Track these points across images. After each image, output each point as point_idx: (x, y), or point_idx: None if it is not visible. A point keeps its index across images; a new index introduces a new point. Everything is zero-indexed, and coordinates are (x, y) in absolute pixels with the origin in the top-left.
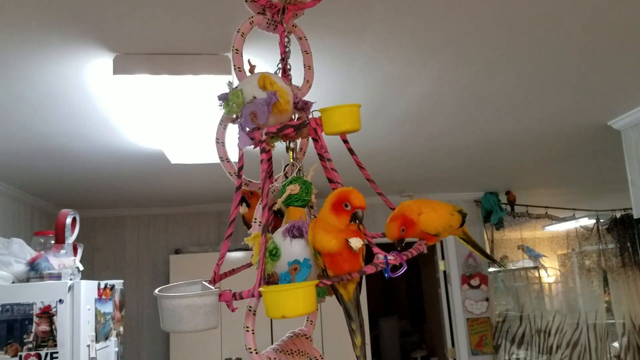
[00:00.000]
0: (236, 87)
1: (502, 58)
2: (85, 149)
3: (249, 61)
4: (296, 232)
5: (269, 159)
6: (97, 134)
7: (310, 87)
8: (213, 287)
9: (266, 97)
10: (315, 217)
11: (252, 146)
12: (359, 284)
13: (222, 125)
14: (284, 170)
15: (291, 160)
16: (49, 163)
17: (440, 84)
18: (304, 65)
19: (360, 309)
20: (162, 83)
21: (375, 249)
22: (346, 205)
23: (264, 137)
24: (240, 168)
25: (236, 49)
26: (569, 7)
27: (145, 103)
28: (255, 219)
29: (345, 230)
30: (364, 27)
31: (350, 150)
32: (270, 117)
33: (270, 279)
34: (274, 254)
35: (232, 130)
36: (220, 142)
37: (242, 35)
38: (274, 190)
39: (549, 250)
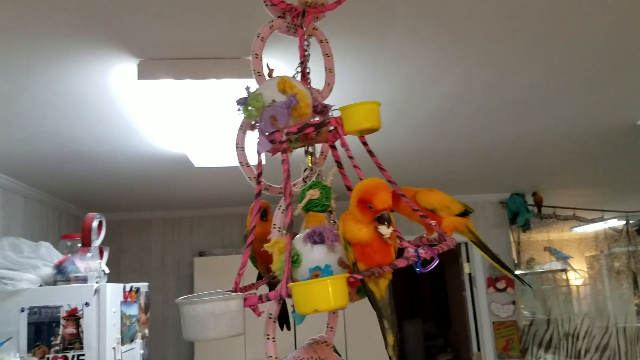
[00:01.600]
0: (255, 92)
1: (527, 57)
2: (110, 153)
3: (267, 65)
4: (317, 238)
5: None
6: (122, 138)
7: (331, 90)
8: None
9: (286, 100)
10: (335, 222)
11: (271, 153)
12: (391, 281)
13: (242, 130)
14: (303, 175)
15: (310, 165)
16: (76, 167)
17: (464, 84)
18: (325, 68)
19: (394, 307)
20: (185, 87)
21: (404, 243)
22: (370, 207)
23: (284, 137)
24: (260, 174)
25: (256, 54)
26: (596, 4)
27: (169, 107)
28: (275, 224)
29: (370, 220)
30: (387, 28)
31: (370, 152)
32: (290, 121)
33: None
34: (294, 260)
35: (252, 135)
36: (240, 147)
37: (261, 40)
38: (293, 195)
39: (576, 252)
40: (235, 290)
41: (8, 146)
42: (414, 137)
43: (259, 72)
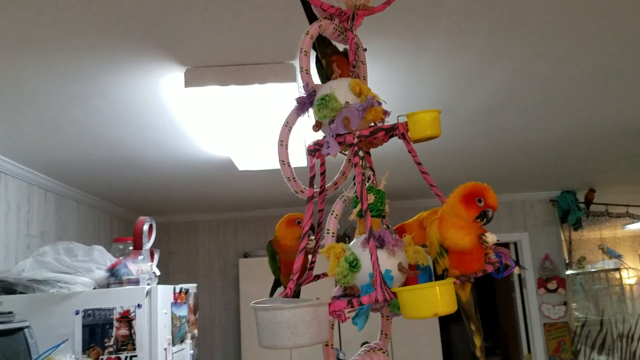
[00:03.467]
0: (325, 91)
1: (578, 50)
2: (159, 158)
3: (335, 66)
4: (377, 243)
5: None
6: (169, 144)
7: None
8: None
9: (364, 102)
10: (387, 227)
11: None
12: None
13: (288, 127)
14: (354, 180)
15: (362, 170)
16: (126, 172)
17: (512, 80)
18: (359, 76)
19: (477, 308)
20: (230, 93)
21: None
22: (479, 201)
23: (355, 140)
24: (313, 177)
25: (305, 51)
26: None
27: (215, 113)
28: (328, 230)
29: (472, 226)
30: (431, 26)
31: (418, 163)
32: (362, 123)
33: (351, 292)
34: (354, 265)
35: (294, 133)
36: (284, 145)
37: (311, 38)
38: (345, 200)
39: (630, 250)
40: (289, 296)
41: (62, 154)
42: (459, 134)
43: (306, 70)
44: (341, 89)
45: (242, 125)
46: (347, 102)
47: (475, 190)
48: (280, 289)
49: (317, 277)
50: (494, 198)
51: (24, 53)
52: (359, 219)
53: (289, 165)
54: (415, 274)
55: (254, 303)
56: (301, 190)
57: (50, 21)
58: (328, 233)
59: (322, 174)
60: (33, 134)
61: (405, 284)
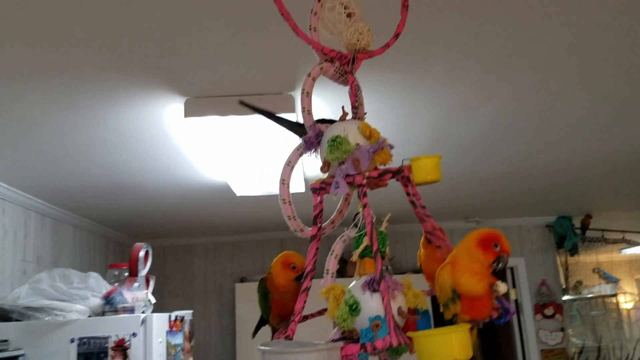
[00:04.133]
0: (336, 133)
1: (573, 83)
2: (156, 184)
3: (342, 108)
4: (377, 286)
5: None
6: (168, 170)
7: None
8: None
9: (375, 144)
10: (387, 268)
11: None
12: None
13: (290, 165)
14: (354, 220)
15: (361, 210)
16: (123, 197)
17: (507, 112)
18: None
19: (482, 353)
20: (229, 122)
21: None
22: (496, 246)
23: (364, 181)
24: (317, 216)
25: (307, 92)
26: None
27: (214, 141)
28: (328, 270)
29: (485, 272)
30: (428, 60)
31: (413, 203)
32: (371, 165)
33: (350, 335)
34: (354, 308)
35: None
36: (285, 184)
37: (312, 79)
38: (346, 240)
39: (626, 275)
40: (287, 338)
41: (60, 180)
42: (456, 161)
43: (308, 111)
44: (352, 130)
45: (240, 153)
46: (358, 144)
47: (492, 235)
48: (265, 328)
49: (306, 317)
50: (508, 244)
51: (26, 82)
52: (359, 260)
53: (290, 204)
54: (415, 318)
55: (262, 346)
56: (300, 229)
57: (51, 52)
58: (327, 273)
59: (320, 212)
60: (31, 160)
61: (404, 328)
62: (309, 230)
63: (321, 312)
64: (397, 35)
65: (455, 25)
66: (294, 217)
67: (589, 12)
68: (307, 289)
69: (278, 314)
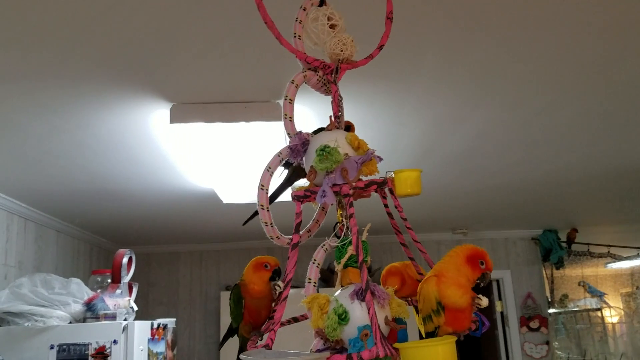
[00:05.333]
0: (325, 143)
1: (560, 97)
2: (142, 190)
3: (330, 118)
4: (364, 296)
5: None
6: (154, 176)
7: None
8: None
9: (364, 155)
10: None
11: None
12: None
13: (270, 172)
14: (335, 230)
15: (340, 219)
16: (108, 203)
17: (494, 124)
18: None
19: None
20: (216, 129)
21: None
22: (482, 263)
23: (351, 191)
24: (299, 224)
25: (289, 99)
26: (625, 49)
27: (200, 148)
28: (310, 279)
29: (469, 286)
30: (415, 71)
31: (390, 215)
32: (358, 175)
33: (334, 345)
34: (342, 318)
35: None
36: (264, 189)
37: (296, 87)
38: (327, 249)
39: (611, 289)
40: (266, 346)
41: (43, 184)
42: (441, 174)
43: (290, 118)
44: (340, 141)
45: (227, 160)
46: (347, 154)
47: (478, 253)
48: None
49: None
50: (491, 262)
51: (9, 85)
52: (342, 270)
53: (268, 211)
54: (400, 328)
55: (244, 355)
56: (277, 237)
57: (35, 54)
58: (310, 282)
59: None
60: (14, 164)
61: (387, 338)
62: (286, 239)
63: (290, 321)
64: (381, 47)
65: (441, 36)
66: (271, 224)
67: (577, 27)
68: (286, 297)
69: (250, 321)
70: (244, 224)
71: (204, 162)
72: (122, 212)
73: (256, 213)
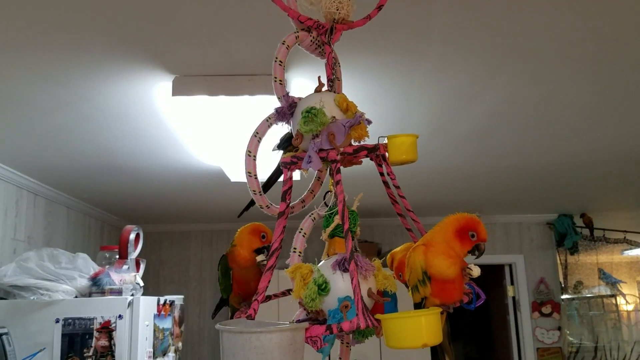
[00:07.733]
0: (311, 104)
1: (575, 74)
2: (150, 166)
3: (319, 78)
4: (347, 266)
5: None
6: (161, 152)
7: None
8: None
9: (352, 119)
10: (357, 249)
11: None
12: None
13: (257, 137)
14: (325, 199)
15: (331, 188)
16: (116, 179)
17: (507, 102)
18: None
19: (450, 337)
20: (220, 103)
21: None
22: (472, 236)
23: (339, 157)
24: (287, 191)
25: (280, 61)
26: None
27: (205, 122)
28: (295, 248)
29: (460, 257)
30: (424, 41)
31: (386, 183)
32: (346, 140)
33: (315, 316)
34: (323, 288)
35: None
36: (251, 156)
37: (287, 48)
38: (315, 218)
39: (627, 277)
40: (249, 317)
41: (51, 159)
42: (453, 155)
43: (280, 81)
44: (328, 102)
45: (233, 136)
46: (334, 117)
47: (468, 224)
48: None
49: (269, 297)
50: (485, 231)
51: (7, 53)
52: (329, 240)
53: (256, 178)
54: (384, 301)
55: (220, 324)
56: (267, 206)
57: (36, 23)
58: (295, 252)
59: (289, 188)
60: (21, 137)
61: (372, 311)
62: (276, 208)
63: (285, 293)
64: (380, 7)
65: (451, 9)
66: (259, 192)
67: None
68: (272, 267)
69: (239, 292)
70: (239, 215)
71: (209, 138)
72: (131, 188)
73: (251, 203)
